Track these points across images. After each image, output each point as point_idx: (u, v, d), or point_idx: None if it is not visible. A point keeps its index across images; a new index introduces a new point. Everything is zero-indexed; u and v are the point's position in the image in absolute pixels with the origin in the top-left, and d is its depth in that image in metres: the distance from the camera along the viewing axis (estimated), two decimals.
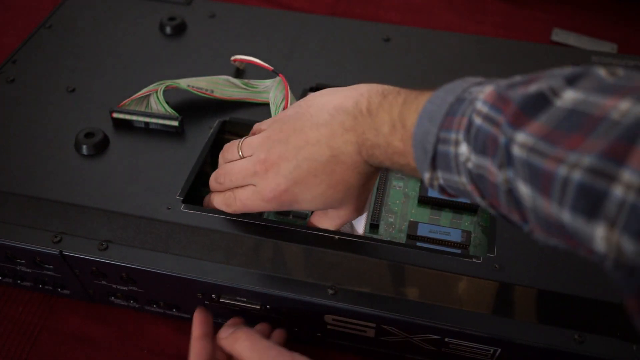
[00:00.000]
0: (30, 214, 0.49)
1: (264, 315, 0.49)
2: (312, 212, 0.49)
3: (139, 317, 0.54)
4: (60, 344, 0.53)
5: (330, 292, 0.45)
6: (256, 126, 0.50)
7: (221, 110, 0.57)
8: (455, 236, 0.51)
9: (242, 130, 0.57)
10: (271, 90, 0.56)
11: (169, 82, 0.55)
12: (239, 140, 0.48)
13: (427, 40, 0.67)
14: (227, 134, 0.57)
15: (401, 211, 0.54)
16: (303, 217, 0.53)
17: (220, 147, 0.56)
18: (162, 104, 0.55)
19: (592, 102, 0.28)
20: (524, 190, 0.30)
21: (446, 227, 0.51)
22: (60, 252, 0.47)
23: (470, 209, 0.53)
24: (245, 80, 0.59)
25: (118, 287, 0.50)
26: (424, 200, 0.54)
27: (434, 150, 0.36)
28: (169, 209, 0.49)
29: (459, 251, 0.50)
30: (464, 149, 0.34)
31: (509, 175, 0.31)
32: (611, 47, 0.78)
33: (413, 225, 0.51)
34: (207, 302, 0.49)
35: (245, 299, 0.47)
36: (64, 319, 0.54)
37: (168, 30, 0.66)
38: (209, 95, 0.57)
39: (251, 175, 0.45)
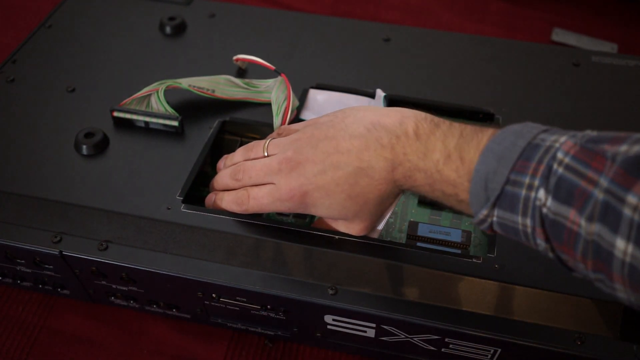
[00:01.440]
0: (30, 214, 0.49)
1: (265, 317, 0.49)
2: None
3: (139, 317, 0.54)
4: (60, 344, 0.53)
5: (331, 292, 0.45)
6: (284, 128, 0.50)
7: (221, 110, 0.57)
8: (456, 236, 0.51)
9: (242, 130, 0.57)
10: (273, 89, 0.56)
11: (170, 82, 0.55)
12: (265, 139, 0.48)
13: (427, 40, 0.67)
14: (227, 134, 0.57)
15: (401, 211, 0.54)
16: (303, 217, 0.53)
17: (220, 147, 0.57)
18: (162, 104, 0.55)
19: None
20: (623, 247, 0.31)
21: (446, 227, 0.51)
22: (60, 252, 0.47)
23: None
24: (247, 80, 0.59)
25: (118, 287, 0.50)
26: (424, 201, 0.54)
27: (501, 190, 0.37)
28: (169, 209, 0.49)
29: (459, 251, 0.50)
30: (541, 194, 0.35)
31: (597, 229, 0.32)
32: (611, 47, 0.78)
33: (413, 225, 0.51)
34: (207, 302, 0.49)
35: (245, 299, 0.47)
36: (64, 319, 0.54)
37: (168, 30, 0.66)
38: (210, 95, 0.57)
39: (274, 172, 0.45)
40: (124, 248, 0.47)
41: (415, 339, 0.46)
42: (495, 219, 0.38)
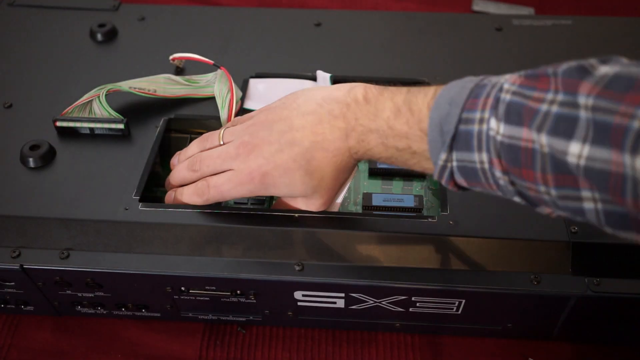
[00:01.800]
0: None
1: (235, 303, 0.49)
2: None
3: (108, 323, 0.54)
4: None
5: (297, 268, 0.46)
6: (237, 119, 0.51)
7: (166, 109, 0.57)
8: (409, 201, 0.53)
9: (189, 126, 0.58)
10: (215, 83, 0.57)
11: (110, 86, 0.55)
12: (219, 129, 0.49)
13: (357, 21, 0.69)
14: (174, 132, 0.58)
15: (354, 185, 0.55)
16: (261, 202, 0.54)
17: (168, 146, 0.57)
18: (105, 109, 0.55)
19: (633, 71, 0.31)
20: (578, 150, 0.32)
21: (399, 195, 0.53)
22: (21, 266, 0.47)
23: (419, 174, 0.55)
24: (187, 77, 0.59)
25: (84, 294, 0.50)
26: (375, 172, 0.56)
27: (455, 130, 0.38)
28: (127, 209, 0.49)
29: (414, 214, 0.52)
30: (493, 123, 0.37)
31: (549, 140, 0.34)
32: (528, 11, 0.82)
33: (367, 196, 0.53)
34: (177, 297, 0.49)
35: (214, 287, 0.48)
36: (32, 336, 0.53)
37: (99, 37, 0.66)
38: (153, 95, 0.57)
39: (232, 158, 0.46)
40: (87, 253, 0.47)
41: (383, 302, 0.48)
42: (454, 163, 0.39)
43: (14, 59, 0.64)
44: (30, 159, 0.52)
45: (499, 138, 0.37)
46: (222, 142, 0.48)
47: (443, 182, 0.41)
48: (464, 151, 0.39)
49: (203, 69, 0.60)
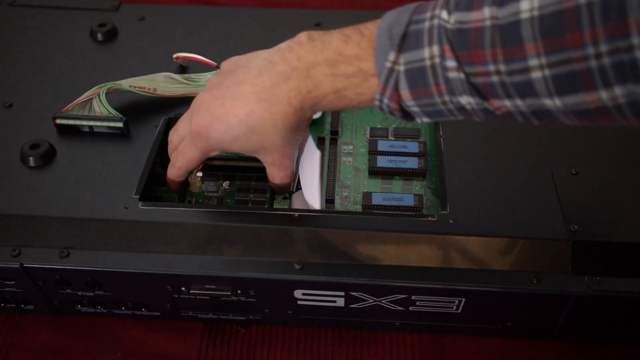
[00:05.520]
0: None
1: (235, 302, 0.49)
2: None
3: (107, 322, 0.54)
4: None
5: (297, 266, 0.46)
6: None
7: (166, 108, 0.57)
8: (408, 201, 0.53)
9: None
10: None
11: (110, 84, 0.55)
12: None
13: (357, 21, 0.69)
14: None
15: (354, 184, 0.55)
16: (262, 202, 0.54)
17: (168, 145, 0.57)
18: (105, 107, 0.55)
19: None
20: (529, 5, 0.33)
21: (398, 194, 0.53)
22: (21, 264, 0.47)
23: (419, 174, 0.55)
24: (186, 75, 0.59)
25: (84, 293, 0.50)
26: (374, 171, 0.56)
27: (405, 30, 0.38)
28: (127, 208, 0.49)
29: (414, 213, 0.52)
30: (444, 15, 0.37)
31: (499, 12, 0.34)
32: None
33: (367, 195, 0.53)
34: (177, 296, 0.49)
35: (214, 286, 0.48)
36: (32, 335, 0.53)
37: (99, 36, 0.66)
38: (152, 94, 0.57)
39: (188, 120, 0.48)
40: (86, 252, 0.47)
41: (383, 301, 0.48)
42: (402, 67, 0.39)
43: (15, 58, 0.64)
44: (31, 158, 0.52)
45: (449, 26, 0.36)
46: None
47: (386, 97, 0.40)
48: (413, 50, 0.38)
49: (205, 67, 0.60)
